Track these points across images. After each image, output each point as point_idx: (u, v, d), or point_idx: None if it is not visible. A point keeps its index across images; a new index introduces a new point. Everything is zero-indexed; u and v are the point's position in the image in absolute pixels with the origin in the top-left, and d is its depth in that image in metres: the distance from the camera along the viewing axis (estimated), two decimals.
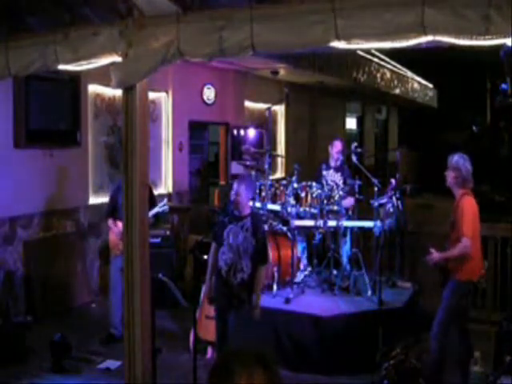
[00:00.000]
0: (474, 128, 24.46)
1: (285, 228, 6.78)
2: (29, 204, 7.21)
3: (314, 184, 6.71)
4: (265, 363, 1.74)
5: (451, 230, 5.05)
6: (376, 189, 6.68)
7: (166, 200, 6.97)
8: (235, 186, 5.01)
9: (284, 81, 12.98)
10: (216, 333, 5.15)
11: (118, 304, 6.37)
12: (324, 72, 12.09)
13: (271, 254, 6.20)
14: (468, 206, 4.98)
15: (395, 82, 17.35)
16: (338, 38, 3.21)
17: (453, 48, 3.26)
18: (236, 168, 10.53)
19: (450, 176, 5.06)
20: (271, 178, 7.63)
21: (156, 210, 6.58)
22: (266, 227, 6.04)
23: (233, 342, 4.80)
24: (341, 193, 6.66)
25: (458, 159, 5.04)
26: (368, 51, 13.62)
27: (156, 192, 9.33)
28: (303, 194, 6.64)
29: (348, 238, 7.14)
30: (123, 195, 4.14)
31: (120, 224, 6.52)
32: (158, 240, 7.91)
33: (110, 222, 6.65)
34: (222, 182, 11.65)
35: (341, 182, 6.92)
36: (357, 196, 6.96)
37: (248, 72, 11.71)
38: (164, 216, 7.58)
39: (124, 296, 4.13)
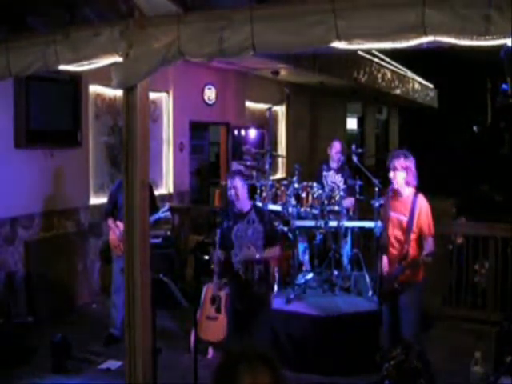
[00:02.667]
0: (474, 128, 24.48)
1: (286, 228, 6.78)
2: (29, 204, 7.21)
3: (314, 184, 6.71)
4: (270, 364, 1.75)
5: (402, 232, 4.91)
6: (377, 189, 6.68)
7: (168, 205, 6.96)
8: (229, 181, 5.05)
9: (285, 81, 12.98)
10: (227, 333, 5.16)
11: (120, 305, 6.38)
12: (324, 72, 12.10)
13: None
14: (427, 204, 4.90)
15: (396, 83, 17.36)
16: (339, 39, 3.21)
17: (453, 48, 3.26)
18: (236, 168, 10.53)
19: (398, 177, 4.90)
20: (272, 178, 7.62)
21: (158, 215, 6.57)
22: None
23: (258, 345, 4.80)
24: (341, 193, 6.66)
25: (404, 159, 4.90)
26: (369, 51, 13.62)
27: (157, 192, 9.32)
28: (304, 195, 6.64)
29: (349, 239, 7.14)
30: (123, 195, 4.14)
31: (121, 224, 6.50)
32: (158, 240, 7.92)
33: (110, 222, 6.62)
34: (223, 183, 11.64)
35: (341, 184, 6.91)
36: (357, 196, 6.96)
37: (249, 72, 11.71)
38: (165, 220, 7.57)
39: (124, 296, 4.13)
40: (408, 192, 4.94)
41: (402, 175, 4.89)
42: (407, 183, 4.91)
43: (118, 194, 6.52)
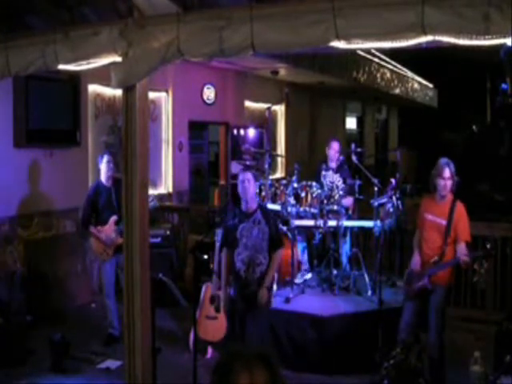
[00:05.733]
0: (474, 128, 24.47)
1: (285, 228, 6.78)
2: (29, 204, 7.21)
3: (313, 184, 6.71)
4: (267, 363, 1.75)
5: (439, 234, 5.03)
6: (376, 189, 6.68)
7: (153, 196, 6.90)
8: (241, 175, 5.03)
9: (284, 81, 12.98)
10: (226, 333, 5.18)
11: (113, 306, 6.38)
12: (324, 72, 12.09)
13: None
14: (465, 212, 5.05)
15: (395, 82, 17.35)
16: (338, 38, 3.21)
17: (453, 47, 3.26)
18: (236, 168, 10.53)
19: (449, 185, 5.02)
20: (271, 177, 7.62)
21: None
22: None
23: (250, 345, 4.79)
24: (341, 192, 6.66)
25: (452, 167, 5.04)
26: (368, 51, 13.61)
27: (156, 192, 9.33)
28: (303, 194, 6.64)
29: (348, 238, 7.13)
30: (124, 195, 4.14)
31: (104, 228, 6.42)
32: (158, 240, 7.91)
33: (93, 229, 6.49)
34: (222, 182, 11.66)
35: (340, 183, 6.91)
36: (357, 196, 6.96)
37: (248, 72, 11.70)
38: (155, 212, 7.48)
39: (124, 296, 4.13)
40: (450, 198, 5.07)
41: (450, 183, 5.02)
42: (452, 190, 5.06)
43: (97, 198, 6.44)
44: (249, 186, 4.94)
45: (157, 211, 7.50)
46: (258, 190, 6.92)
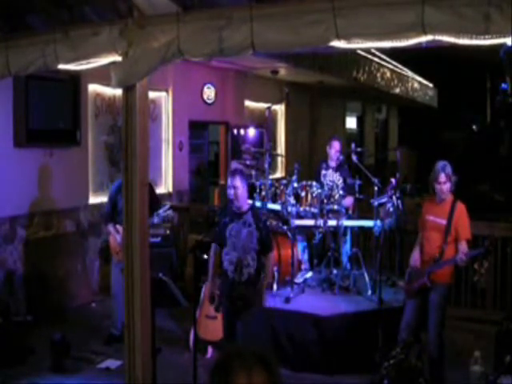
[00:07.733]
0: (474, 127, 24.48)
1: (285, 227, 6.77)
2: (29, 203, 7.21)
3: (313, 183, 6.71)
4: (265, 363, 1.74)
5: (439, 234, 5.07)
6: (376, 188, 6.68)
7: (168, 204, 6.84)
8: (229, 180, 5.06)
9: (284, 80, 12.97)
10: (223, 335, 5.19)
11: (120, 308, 6.37)
12: (324, 71, 12.08)
13: None
14: (465, 211, 5.09)
15: (395, 82, 17.33)
16: (338, 38, 3.21)
17: (453, 47, 3.26)
18: (237, 167, 10.52)
19: (447, 187, 5.06)
20: (271, 177, 7.61)
21: (160, 216, 6.47)
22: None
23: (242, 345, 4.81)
24: (341, 192, 6.66)
25: (449, 169, 5.07)
26: (368, 50, 13.60)
27: (156, 191, 9.32)
28: (303, 194, 6.64)
29: (348, 238, 7.14)
30: (123, 195, 4.13)
31: (121, 229, 6.41)
32: (158, 239, 7.91)
33: (111, 227, 6.52)
34: (222, 182, 11.64)
35: (340, 182, 6.91)
36: (357, 195, 6.96)
37: (248, 71, 11.70)
38: (168, 219, 7.48)
39: (124, 296, 4.13)
40: (450, 198, 5.13)
41: (448, 185, 5.07)
42: (451, 191, 5.12)
43: (117, 197, 6.40)
44: (235, 191, 4.98)
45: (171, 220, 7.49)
46: (258, 190, 6.95)
